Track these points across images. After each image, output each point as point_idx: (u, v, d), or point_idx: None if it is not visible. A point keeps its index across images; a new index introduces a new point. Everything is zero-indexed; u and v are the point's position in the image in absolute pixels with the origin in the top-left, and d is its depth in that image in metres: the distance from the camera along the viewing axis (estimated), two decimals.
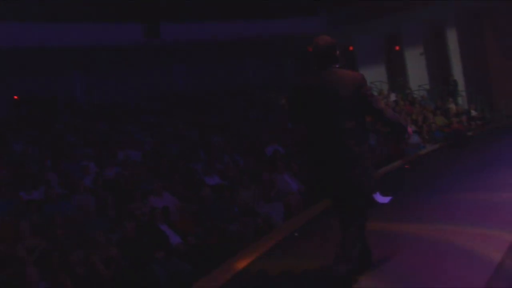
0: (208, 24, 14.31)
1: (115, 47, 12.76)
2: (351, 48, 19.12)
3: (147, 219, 5.22)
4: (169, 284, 4.31)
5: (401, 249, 3.58)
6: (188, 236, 5.19)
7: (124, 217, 5.15)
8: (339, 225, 3.03)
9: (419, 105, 14.82)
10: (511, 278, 2.82)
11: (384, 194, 5.31)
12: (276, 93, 14.27)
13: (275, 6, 15.64)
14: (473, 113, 13.67)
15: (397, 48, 19.05)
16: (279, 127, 10.53)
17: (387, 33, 18.25)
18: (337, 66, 2.98)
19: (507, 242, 3.15)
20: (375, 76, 17.49)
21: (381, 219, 4.22)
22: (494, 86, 15.36)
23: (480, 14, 15.40)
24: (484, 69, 15.50)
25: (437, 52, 17.20)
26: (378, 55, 18.29)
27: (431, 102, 15.65)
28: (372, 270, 3.10)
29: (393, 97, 15.94)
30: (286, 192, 6.94)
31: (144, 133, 10.34)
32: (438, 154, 8.97)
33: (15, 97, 12.39)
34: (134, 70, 14.09)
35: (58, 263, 4.06)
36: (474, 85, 15.43)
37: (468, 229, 3.69)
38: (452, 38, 16.52)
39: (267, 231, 5.64)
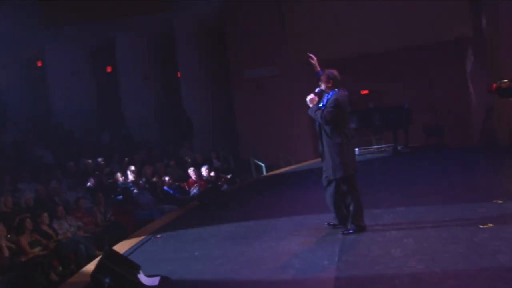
0: None
1: None
2: (39, 63, 19.55)
3: None
4: None
5: None
6: None
7: None
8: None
9: (145, 150, 16.31)
10: None
11: (149, 274, 6.03)
12: None
13: None
14: (216, 163, 15.92)
15: (109, 69, 20.54)
16: None
17: (92, 46, 19.45)
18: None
19: None
20: (73, 102, 18.29)
21: None
22: (240, 128, 18.31)
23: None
24: (227, 106, 18.36)
25: (165, 80, 19.46)
26: (80, 75, 19.21)
27: (158, 146, 17.39)
28: None
29: (105, 137, 17.02)
30: None
31: None
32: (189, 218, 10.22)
33: None
34: None
35: None
36: (215, 126, 18.06)
37: None
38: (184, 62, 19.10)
39: None
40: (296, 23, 17.64)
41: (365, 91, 19.33)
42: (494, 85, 11.20)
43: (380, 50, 17.52)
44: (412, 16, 16.80)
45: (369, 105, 17.48)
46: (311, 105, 7.12)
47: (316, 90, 7.19)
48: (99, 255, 7.65)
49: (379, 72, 18.44)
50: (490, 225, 6.91)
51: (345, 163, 7.09)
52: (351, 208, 7.22)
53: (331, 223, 7.54)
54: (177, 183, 13.66)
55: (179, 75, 19.71)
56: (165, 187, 12.98)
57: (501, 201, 8.30)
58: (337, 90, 7.14)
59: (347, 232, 7.16)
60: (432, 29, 16.87)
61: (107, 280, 5.58)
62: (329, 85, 7.17)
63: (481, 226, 6.87)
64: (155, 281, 5.91)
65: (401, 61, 17.94)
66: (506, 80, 11.04)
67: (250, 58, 18.02)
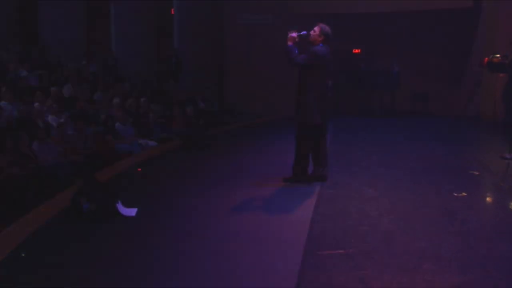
0: None
1: None
2: None
3: None
4: None
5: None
6: None
7: None
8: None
9: (130, 84, 16.24)
10: None
11: (127, 205, 6.17)
12: None
13: None
14: (201, 104, 15.96)
15: None
16: None
17: None
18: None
19: None
20: (63, 27, 17.98)
21: None
22: (227, 73, 18.31)
23: None
24: (218, 49, 18.30)
25: (158, 13, 19.23)
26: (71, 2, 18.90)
27: (144, 82, 17.32)
28: None
29: (93, 67, 16.90)
30: None
31: None
32: (173, 157, 10.42)
33: None
34: None
35: None
36: (203, 67, 18.03)
37: None
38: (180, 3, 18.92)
39: None
40: None
41: (357, 50, 19.35)
42: (486, 59, 11.29)
43: (377, 10, 17.47)
44: None
45: (360, 66, 17.58)
46: (289, 43, 7.17)
47: (301, 32, 7.23)
48: (77, 183, 7.75)
49: (373, 33, 18.44)
50: (464, 194, 7.14)
51: (312, 112, 7.26)
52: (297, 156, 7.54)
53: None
54: (161, 120, 13.74)
55: (172, 12, 19.54)
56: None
57: (477, 173, 8.58)
58: (322, 45, 7.23)
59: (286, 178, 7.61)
60: None
61: (86, 206, 5.70)
62: (319, 39, 7.25)
63: (455, 195, 7.10)
64: (132, 211, 6.04)
65: (397, 24, 17.93)
66: (498, 55, 11.12)
67: (246, 2, 17.91)
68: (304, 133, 7.39)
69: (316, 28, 7.28)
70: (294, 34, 7.18)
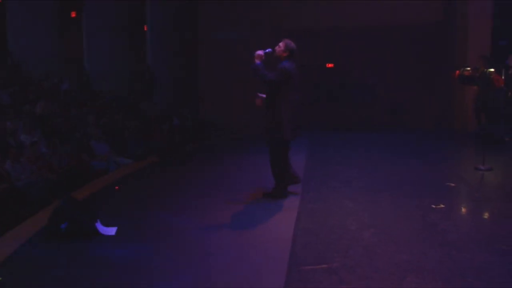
0: None
1: None
2: None
3: None
4: None
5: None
6: None
7: None
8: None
9: (104, 101, 16.14)
10: None
11: (106, 224, 6.07)
12: None
13: None
14: (176, 120, 15.92)
15: (73, 14, 20.18)
16: None
17: None
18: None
19: None
20: (35, 44, 17.76)
21: None
22: (202, 88, 18.31)
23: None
24: (194, 66, 18.30)
25: (133, 31, 19.20)
26: (44, 19, 18.76)
27: (119, 98, 17.21)
28: None
29: (65, 85, 16.75)
30: None
31: None
32: (148, 173, 10.36)
33: None
34: None
35: None
36: (177, 83, 18.00)
37: None
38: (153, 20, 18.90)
39: None
40: None
41: (331, 65, 19.50)
42: (457, 72, 11.54)
43: (349, 25, 17.67)
44: None
45: (334, 80, 17.74)
46: (257, 61, 7.20)
47: (266, 50, 7.26)
48: (53, 202, 7.64)
49: (346, 47, 18.62)
50: (442, 206, 7.21)
51: (285, 128, 7.27)
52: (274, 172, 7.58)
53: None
54: (136, 137, 13.65)
55: (145, 29, 19.52)
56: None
57: (453, 184, 8.68)
58: (287, 61, 7.26)
59: (266, 193, 7.66)
60: (404, 11, 17.14)
61: (64, 225, 5.59)
62: (284, 55, 7.29)
63: (434, 206, 7.17)
64: (112, 231, 5.96)
65: (371, 38, 18.14)
66: (469, 68, 11.40)
67: (220, 18, 17.97)
68: (278, 150, 7.43)
69: (281, 44, 7.33)
70: (261, 52, 7.22)
